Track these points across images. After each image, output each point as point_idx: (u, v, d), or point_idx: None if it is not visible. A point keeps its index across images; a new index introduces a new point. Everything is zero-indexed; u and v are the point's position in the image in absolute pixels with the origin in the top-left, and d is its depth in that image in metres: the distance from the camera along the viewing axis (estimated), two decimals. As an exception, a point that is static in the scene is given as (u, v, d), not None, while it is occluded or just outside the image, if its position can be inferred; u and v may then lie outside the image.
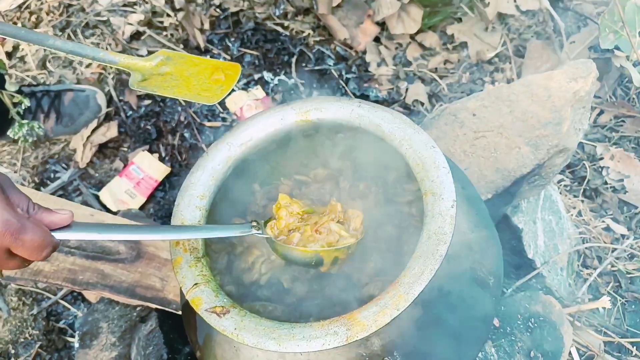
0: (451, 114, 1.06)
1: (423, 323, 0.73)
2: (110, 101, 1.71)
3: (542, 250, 1.15)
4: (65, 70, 1.78)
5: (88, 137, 1.64)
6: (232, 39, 1.81)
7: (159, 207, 1.56)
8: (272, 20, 1.85)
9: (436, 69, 1.75)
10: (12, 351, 1.37)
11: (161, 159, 1.63)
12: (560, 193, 1.37)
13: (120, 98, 1.72)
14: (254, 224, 0.79)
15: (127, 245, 1.09)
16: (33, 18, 1.89)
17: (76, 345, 1.13)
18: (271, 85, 1.74)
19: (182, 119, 1.68)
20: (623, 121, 1.55)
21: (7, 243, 0.59)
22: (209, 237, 0.80)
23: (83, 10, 1.89)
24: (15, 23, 1.88)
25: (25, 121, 1.47)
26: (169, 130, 1.67)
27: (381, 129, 0.82)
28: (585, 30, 1.65)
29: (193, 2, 1.85)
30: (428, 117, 1.14)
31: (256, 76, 1.75)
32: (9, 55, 1.83)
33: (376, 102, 1.70)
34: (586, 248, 1.28)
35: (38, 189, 1.58)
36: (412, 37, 1.79)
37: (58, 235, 0.63)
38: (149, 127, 1.68)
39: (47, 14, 1.90)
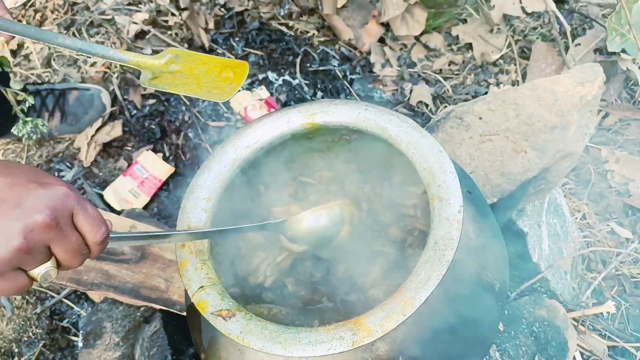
0: (457, 117, 1.06)
1: (428, 328, 0.73)
2: (114, 100, 1.71)
3: (546, 254, 1.15)
4: (69, 69, 1.78)
5: (92, 136, 1.64)
6: (237, 39, 1.81)
7: (162, 207, 1.56)
8: (277, 20, 1.85)
9: (441, 70, 1.75)
10: (16, 350, 1.37)
11: (165, 159, 1.63)
12: (565, 196, 1.37)
13: (125, 97, 1.72)
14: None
15: (132, 246, 1.09)
16: (38, 16, 1.89)
17: (80, 344, 1.13)
18: (275, 85, 1.74)
19: (186, 118, 1.68)
20: (628, 124, 1.54)
21: (71, 205, 0.56)
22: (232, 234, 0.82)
23: (88, 8, 1.89)
24: (20, 21, 1.88)
25: (29, 119, 1.47)
26: (173, 130, 1.67)
27: (388, 133, 0.82)
28: (590, 33, 1.64)
29: (198, 2, 1.85)
30: (434, 119, 1.14)
31: (260, 76, 1.75)
32: (14, 53, 1.83)
33: (380, 103, 1.70)
34: (590, 252, 1.27)
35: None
36: (417, 38, 1.78)
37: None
38: (153, 126, 1.68)
39: (52, 12, 1.90)
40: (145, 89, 1.69)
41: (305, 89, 1.72)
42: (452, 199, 0.73)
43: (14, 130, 1.49)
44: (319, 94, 1.72)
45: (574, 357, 1.05)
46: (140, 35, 1.82)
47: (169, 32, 1.82)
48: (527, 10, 1.65)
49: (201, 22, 1.80)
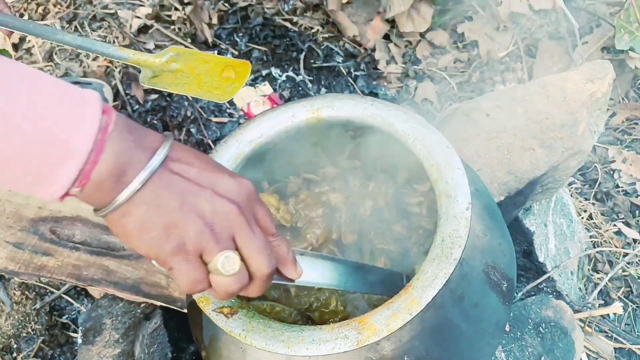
0: (464, 113, 1.04)
1: (435, 327, 0.72)
2: (116, 95, 1.70)
3: (552, 254, 1.13)
4: (72, 63, 1.77)
5: (94, 131, 1.62)
6: (240, 34, 1.80)
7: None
8: (281, 15, 1.83)
9: (446, 67, 1.73)
10: (15, 346, 1.36)
11: (167, 154, 1.61)
12: (571, 196, 1.35)
13: (127, 92, 1.71)
14: None
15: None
16: (40, 10, 1.88)
17: (79, 341, 1.12)
18: (279, 81, 1.72)
19: (188, 114, 1.67)
20: (636, 123, 1.52)
21: (255, 200, 0.56)
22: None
23: (90, 2, 1.87)
24: (22, 15, 1.87)
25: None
26: (175, 125, 1.66)
27: (394, 128, 0.80)
28: (598, 31, 1.62)
29: (201, -4, 1.83)
30: (440, 116, 1.13)
31: (264, 72, 1.73)
32: (16, 47, 1.81)
33: (384, 100, 1.68)
34: (597, 252, 1.26)
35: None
36: (422, 35, 1.77)
37: None
38: (155, 121, 1.67)
39: (54, 5, 1.88)
40: (147, 84, 1.68)
41: (309, 85, 1.71)
42: (460, 196, 0.71)
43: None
44: (323, 90, 1.71)
45: (581, 359, 1.03)
46: (143, 29, 1.80)
47: (172, 27, 1.80)
48: (535, 7, 1.64)
49: (205, 17, 1.78)
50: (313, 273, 0.66)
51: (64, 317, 1.39)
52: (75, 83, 1.61)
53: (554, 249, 1.14)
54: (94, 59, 1.77)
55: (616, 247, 1.28)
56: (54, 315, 1.40)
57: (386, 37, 1.78)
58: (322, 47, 1.77)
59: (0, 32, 0.82)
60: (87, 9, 1.86)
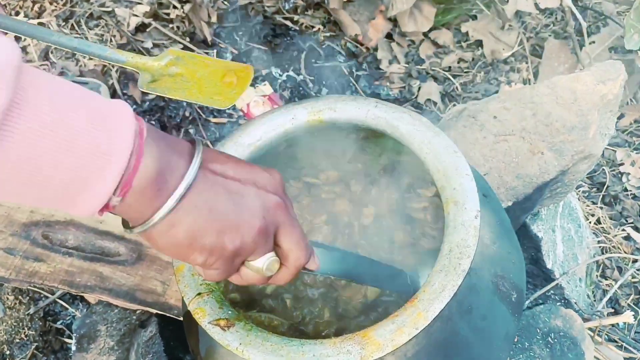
0: (470, 115, 1.01)
1: (441, 341, 0.68)
2: (113, 94, 1.66)
3: (561, 260, 1.10)
4: (68, 62, 1.73)
5: (90, 132, 1.59)
6: (240, 33, 1.76)
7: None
8: (282, 14, 1.80)
9: (450, 67, 1.70)
10: (7, 352, 1.33)
11: (165, 156, 1.58)
12: (579, 199, 1.32)
13: (124, 91, 1.67)
14: None
15: (128, 247, 1.05)
16: (36, 8, 1.84)
17: (73, 348, 1.09)
18: (279, 81, 1.69)
19: (187, 114, 1.64)
20: (644, 125, 1.49)
21: (285, 190, 0.55)
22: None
23: (87, 0, 1.84)
24: (17, 13, 1.84)
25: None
26: (173, 126, 1.62)
27: (399, 131, 0.77)
28: (605, 30, 1.59)
29: (200, -6, 1.80)
30: (445, 117, 1.09)
31: (264, 72, 1.70)
32: (11, 45, 1.78)
33: (387, 100, 1.64)
34: (606, 258, 1.22)
35: (38, 184, 1.54)
36: (425, 34, 1.73)
37: None
38: (153, 122, 1.63)
39: (51, 3, 1.85)
40: (145, 83, 1.64)
41: (310, 85, 1.67)
42: (468, 203, 0.68)
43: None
44: (324, 90, 1.67)
45: (591, 370, 1.00)
46: (141, 28, 1.77)
47: (171, 26, 1.77)
48: (541, 6, 1.60)
49: (204, 15, 1.75)
50: (329, 264, 0.65)
51: (59, 323, 1.36)
52: (71, 83, 1.58)
53: (562, 255, 1.11)
54: (91, 59, 1.74)
55: (625, 252, 1.24)
56: (48, 321, 1.36)
57: (389, 36, 1.74)
58: (324, 46, 1.74)
59: None
60: (83, 6, 1.82)
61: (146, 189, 0.45)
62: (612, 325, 1.09)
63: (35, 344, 1.33)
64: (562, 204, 1.14)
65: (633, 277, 1.21)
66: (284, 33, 1.76)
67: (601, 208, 1.34)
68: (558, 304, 1.06)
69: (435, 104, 1.62)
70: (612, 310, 1.15)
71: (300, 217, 0.87)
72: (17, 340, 1.34)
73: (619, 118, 1.52)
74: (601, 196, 1.36)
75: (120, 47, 1.72)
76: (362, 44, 1.74)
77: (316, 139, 0.86)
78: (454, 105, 1.61)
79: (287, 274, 0.56)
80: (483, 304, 0.72)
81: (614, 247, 1.25)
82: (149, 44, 1.73)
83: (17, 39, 1.79)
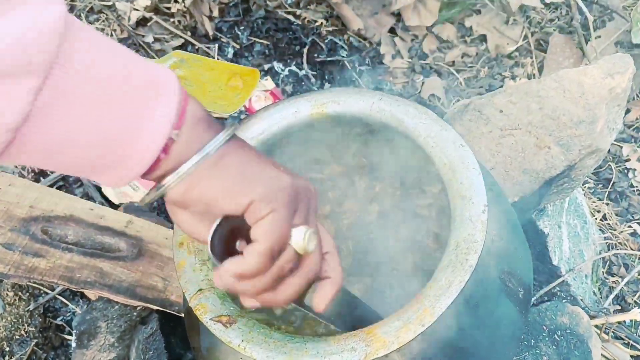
0: (476, 109, 0.99)
1: (447, 338, 0.67)
2: (114, 89, 1.65)
3: (567, 257, 1.08)
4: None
5: (90, 127, 1.58)
6: (242, 27, 1.75)
7: (162, 201, 1.50)
8: (284, 8, 1.78)
9: (453, 62, 1.68)
10: (7, 349, 1.32)
11: (166, 151, 1.56)
12: (585, 195, 1.30)
13: (125, 86, 1.66)
14: None
15: (128, 242, 1.03)
16: (36, 2, 1.83)
17: (73, 344, 1.08)
18: (281, 76, 1.67)
19: (188, 109, 1.62)
20: (650, 121, 1.47)
21: (314, 200, 0.52)
22: None
23: (88, -6, 1.82)
24: (17, 7, 1.82)
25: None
26: (174, 121, 1.61)
27: (404, 125, 0.75)
28: (611, 25, 1.57)
29: (202, -12, 1.78)
30: (450, 112, 1.08)
31: (266, 66, 1.68)
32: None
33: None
34: (612, 255, 1.21)
35: (37, 180, 1.53)
36: (429, 29, 1.72)
37: None
38: (153, 117, 1.62)
39: (51, -3, 1.83)
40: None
41: (313, 80, 1.66)
42: (476, 198, 0.67)
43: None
44: (327, 85, 1.65)
45: (597, 368, 0.98)
46: (142, 22, 1.75)
47: (172, 20, 1.75)
48: (546, 0, 1.58)
49: (205, 9, 1.73)
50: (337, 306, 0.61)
51: (59, 319, 1.35)
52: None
53: (568, 251, 1.09)
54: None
55: (632, 249, 1.23)
56: (48, 317, 1.35)
57: (392, 30, 1.72)
58: (326, 40, 1.72)
59: None
60: (84, 0, 1.81)
61: (198, 123, 0.47)
62: (619, 322, 1.07)
63: (35, 340, 1.32)
64: (568, 199, 1.12)
65: (639, 274, 1.19)
66: (286, 27, 1.75)
67: (607, 204, 1.32)
68: (564, 301, 1.04)
69: (438, 99, 1.60)
70: (619, 308, 1.14)
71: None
72: (17, 337, 1.33)
73: (625, 113, 1.50)
74: (607, 192, 1.35)
75: (121, 41, 1.70)
76: (365, 39, 1.72)
77: (319, 132, 0.85)
78: (458, 100, 1.59)
79: (315, 261, 0.52)
80: (490, 301, 0.70)
81: (620, 243, 1.24)
82: (150, 39, 1.71)
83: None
